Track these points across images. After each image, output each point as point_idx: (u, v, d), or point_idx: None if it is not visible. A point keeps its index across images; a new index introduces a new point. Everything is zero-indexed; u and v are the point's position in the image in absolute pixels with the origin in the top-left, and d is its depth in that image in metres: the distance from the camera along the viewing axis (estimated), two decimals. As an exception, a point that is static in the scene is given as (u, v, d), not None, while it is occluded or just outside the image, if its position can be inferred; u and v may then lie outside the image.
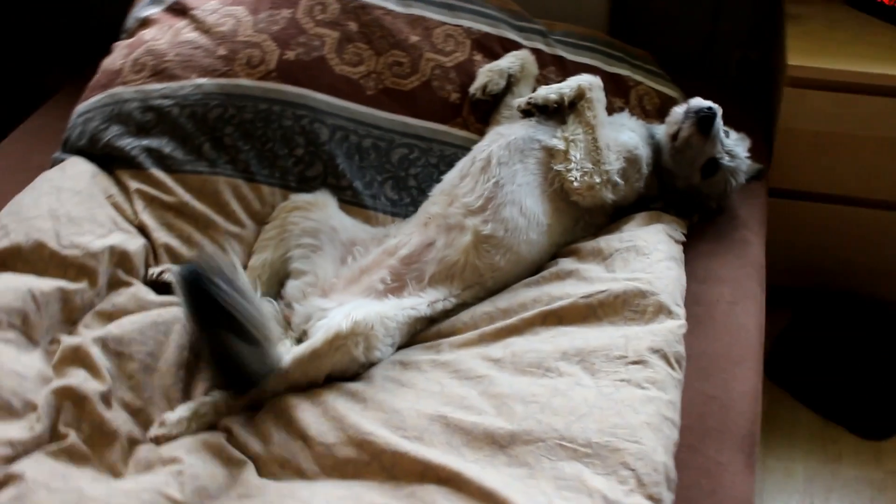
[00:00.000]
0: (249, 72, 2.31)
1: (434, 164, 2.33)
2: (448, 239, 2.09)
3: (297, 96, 2.30)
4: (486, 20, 2.52)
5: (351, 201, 2.27)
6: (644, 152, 2.26)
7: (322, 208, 2.20)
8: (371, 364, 1.92)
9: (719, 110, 2.25)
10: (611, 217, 2.28)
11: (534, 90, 2.37)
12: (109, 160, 2.29)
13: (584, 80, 2.27)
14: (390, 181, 2.32)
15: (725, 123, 2.28)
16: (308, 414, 1.79)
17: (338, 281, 2.10)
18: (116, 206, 2.20)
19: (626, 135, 2.26)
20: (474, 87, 2.39)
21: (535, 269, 2.15)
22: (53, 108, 2.74)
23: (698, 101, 2.26)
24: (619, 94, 2.54)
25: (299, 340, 2.00)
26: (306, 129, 2.28)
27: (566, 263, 2.12)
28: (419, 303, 2.01)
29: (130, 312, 2.01)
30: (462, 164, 2.21)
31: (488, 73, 2.39)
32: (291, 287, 2.10)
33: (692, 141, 2.23)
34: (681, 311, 1.97)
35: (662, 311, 1.94)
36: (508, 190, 2.12)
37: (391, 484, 1.65)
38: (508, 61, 2.41)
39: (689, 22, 3.02)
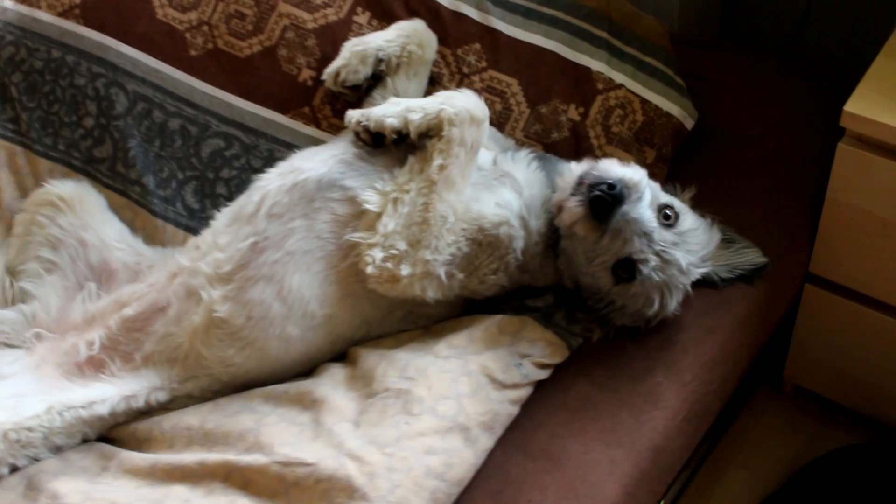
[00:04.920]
0: (52, 2, 1.75)
1: (257, 169, 1.64)
2: (181, 309, 1.50)
3: (97, 46, 1.72)
4: (397, -42, 1.71)
5: (137, 201, 1.70)
6: (521, 230, 1.47)
7: (78, 210, 1.65)
8: None
9: (636, 191, 1.39)
10: (460, 307, 1.55)
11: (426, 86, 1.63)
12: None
13: (453, 103, 1.46)
14: (193, 182, 1.70)
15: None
16: None
17: (45, 330, 1.58)
18: None
19: (495, 198, 1.47)
20: (326, 72, 1.64)
21: (307, 366, 1.52)
22: None
23: (606, 167, 1.41)
24: (575, 100, 1.68)
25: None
26: (100, 93, 1.71)
27: (329, 378, 1.46)
28: (108, 396, 1.46)
29: None
30: (242, 199, 1.56)
31: (348, 55, 1.63)
32: (1, 316, 1.63)
33: (577, 229, 1.41)
34: (401, 531, 1.29)
35: (363, 527, 1.28)
36: (269, 259, 1.46)
37: None
38: (384, 38, 1.62)
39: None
